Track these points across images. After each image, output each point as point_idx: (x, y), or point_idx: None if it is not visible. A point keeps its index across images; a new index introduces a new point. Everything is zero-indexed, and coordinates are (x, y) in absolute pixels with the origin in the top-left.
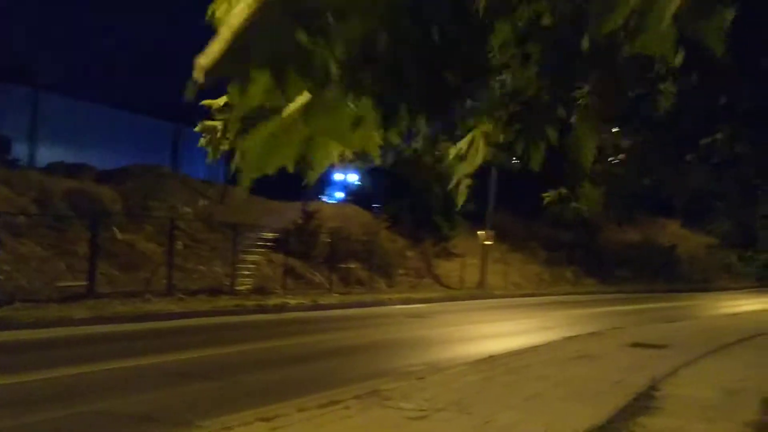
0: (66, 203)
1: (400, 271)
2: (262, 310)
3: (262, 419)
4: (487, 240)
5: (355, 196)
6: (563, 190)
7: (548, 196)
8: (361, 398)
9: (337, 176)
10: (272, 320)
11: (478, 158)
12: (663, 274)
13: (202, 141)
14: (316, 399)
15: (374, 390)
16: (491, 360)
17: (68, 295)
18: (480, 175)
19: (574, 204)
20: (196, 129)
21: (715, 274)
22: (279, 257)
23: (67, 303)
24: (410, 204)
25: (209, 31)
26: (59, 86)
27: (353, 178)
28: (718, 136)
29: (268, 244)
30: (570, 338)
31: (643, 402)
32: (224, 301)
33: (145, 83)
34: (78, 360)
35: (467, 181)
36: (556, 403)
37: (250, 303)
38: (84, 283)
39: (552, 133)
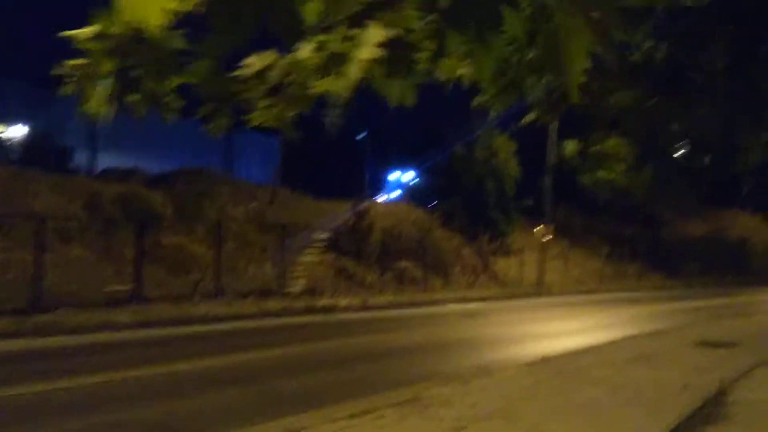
0: (116, 208)
1: (456, 270)
2: (311, 311)
3: (287, 431)
4: (545, 235)
5: (411, 195)
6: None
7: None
8: (400, 406)
9: (393, 175)
10: (321, 322)
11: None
12: (733, 268)
13: (69, 88)
14: (352, 406)
15: (414, 396)
16: (544, 362)
17: (114, 300)
18: (536, 168)
19: (600, 174)
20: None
21: None
22: (330, 258)
23: (112, 307)
24: (464, 200)
25: None
26: None
27: (409, 176)
28: None
29: (319, 244)
30: (631, 337)
31: (711, 408)
32: (273, 303)
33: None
34: (109, 366)
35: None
36: (612, 410)
37: (299, 305)
38: (130, 287)
39: (511, 19)
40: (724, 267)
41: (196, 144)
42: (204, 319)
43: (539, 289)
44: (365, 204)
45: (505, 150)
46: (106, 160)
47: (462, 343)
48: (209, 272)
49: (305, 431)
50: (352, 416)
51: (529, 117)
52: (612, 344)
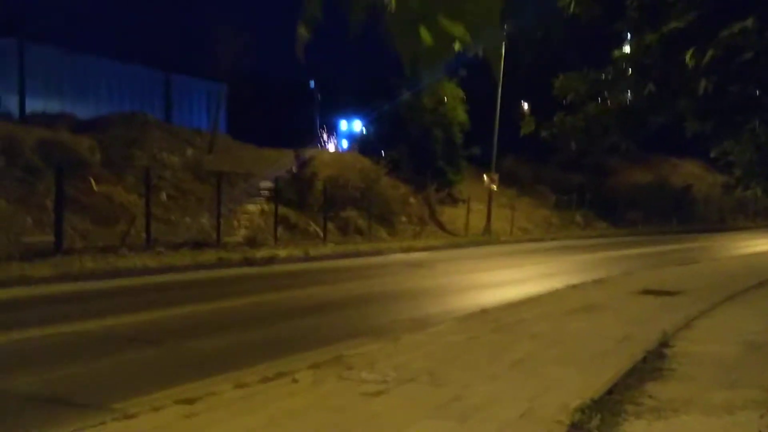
0: (38, 155)
1: (402, 219)
2: (249, 263)
3: (184, 401)
4: (492, 184)
5: (360, 144)
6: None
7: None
8: (319, 367)
9: (342, 125)
10: (258, 274)
11: None
12: (677, 216)
13: None
14: (267, 369)
15: (337, 357)
16: (482, 314)
17: (34, 252)
18: (484, 117)
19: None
20: None
21: (731, 214)
22: (272, 207)
23: (31, 260)
24: (411, 148)
25: None
26: (47, 37)
27: (358, 126)
28: (748, 23)
29: (260, 193)
30: (574, 286)
31: (653, 363)
32: (208, 255)
33: (134, 32)
34: (17, 324)
35: None
36: (547, 368)
37: (236, 256)
38: (51, 238)
39: None
40: (669, 214)
41: (134, 89)
42: (131, 272)
43: (486, 238)
44: (309, 152)
45: (452, 97)
46: (37, 106)
47: (402, 295)
48: (139, 223)
49: (205, 400)
50: (264, 380)
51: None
52: (554, 294)
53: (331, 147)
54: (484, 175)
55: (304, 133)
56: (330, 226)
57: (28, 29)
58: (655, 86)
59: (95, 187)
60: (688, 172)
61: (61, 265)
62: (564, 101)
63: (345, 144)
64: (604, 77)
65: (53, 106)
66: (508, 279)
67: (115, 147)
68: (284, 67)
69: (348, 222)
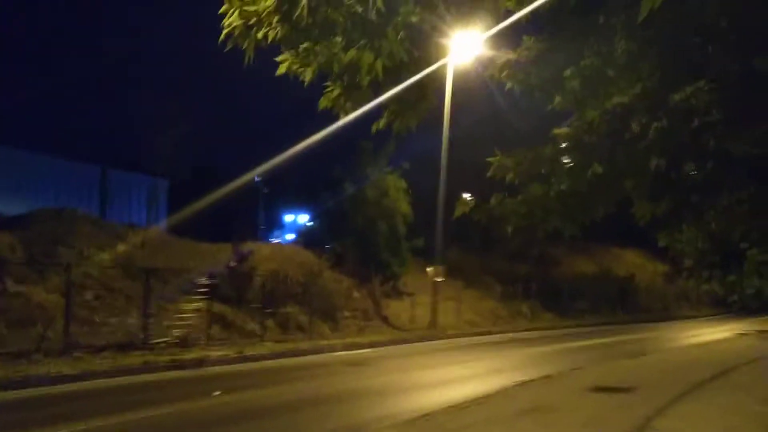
0: None
1: (346, 314)
2: (178, 366)
3: None
4: (437, 276)
5: (305, 237)
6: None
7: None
8: None
9: (288, 218)
10: (186, 377)
11: None
12: (622, 305)
13: None
14: None
15: None
16: (425, 420)
17: None
18: (428, 208)
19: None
20: None
21: (674, 303)
22: (206, 305)
23: None
24: (355, 241)
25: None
26: None
27: (304, 219)
28: (701, 84)
29: (195, 290)
30: (523, 384)
31: None
32: (132, 358)
33: (71, 127)
34: None
35: None
36: None
37: (163, 358)
38: None
39: None
40: (614, 304)
41: (70, 185)
42: (42, 380)
43: (432, 332)
44: (247, 246)
45: (395, 189)
46: None
47: (339, 398)
48: (59, 324)
49: None
50: None
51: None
52: (502, 393)
53: (275, 241)
54: (429, 268)
55: (247, 227)
56: (270, 323)
57: None
58: (600, 167)
59: (11, 288)
60: (630, 261)
61: None
62: (503, 183)
63: (290, 237)
64: (544, 156)
65: None
66: (454, 376)
67: (39, 244)
68: (229, 162)
69: (288, 318)
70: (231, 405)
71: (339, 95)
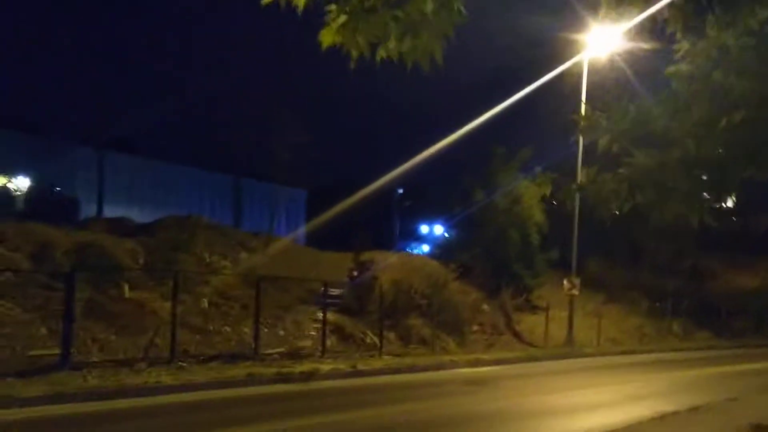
0: (71, 258)
1: (474, 328)
2: (284, 379)
3: None
4: (572, 289)
5: (440, 249)
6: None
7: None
8: None
9: (424, 228)
10: (289, 392)
11: None
12: None
13: None
14: None
15: None
16: None
17: (38, 367)
18: (563, 217)
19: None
20: None
21: None
22: (328, 315)
23: (29, 377)
24: (485, 251)
25: None
26: (122, 144)
27: (439, 230)
28: None
29: (316, 300)
30: (662, 418)
31: None
32: (238, 370)
33: (205, 139)
34: None
35: None
36: None
37: (269, 371)
38: (56, 352)
39: None
40: None
41: (204, 193)
42: (139, 391)
43: (567, 350)
44: (370, 255)
45: (528, 196)
46: (117, 212)
47: (447, 423)
48: (167, 333)
49: None
50: None
51: None
52: (635, 429)
53: (412, 251)
54: (564, 280)
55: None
56: (391, 335)
57: (107, 138)
58: (740, 113)
59: (127, 294)
60: None
61: (59, 383)
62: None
63: (426, 249)
64: (654, 111)
65: (132, 212)
66: (584, 403)
67: (161, 251)
68: (370, 174)
69: (411, 331)
70: (319, 429)
71: (346, 23)
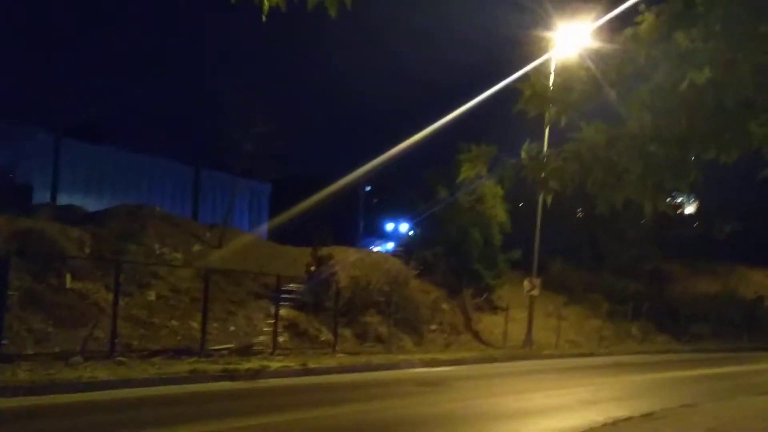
0: (12, 245)
1: (432, 327)
2: (230, 376)
3: None
4: (532, 290)
5: (404, 246)
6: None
7: None
8: None
9: (389, 226)
10: (233, 390)
11: None
12: (748, 331)
13: None
14: None
15: None
16: None
17: None
18: (528, 217)
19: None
20: None
21: None
22: (282, 311)
23: None
24: (446, 250)
25: None
26: (82, 131)
27: (404, 228)
28: None
29: (268, 294)
30: (615, 424)
31: None
32: (181, 366)
33: (165, 127)
34: None
35: None
36: None
37: (214, 368)
38: None
39: None
40: (738, 329)
41: (162, 183)
42: (71, 386)
43: (525, 351)
44: (328, 250)
45: (491, 195)
46: (72, 200)
47: (397, 425)
48: (109, 326)
49: None
50: None
51: None
52: None
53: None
54: (525, 280)
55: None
56: (347, 333)
57: (65, 124)
58: (704, 71)
59: (69, 284)
60: (758, 281)
61: None
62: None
63: (390, 246)
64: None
65: (89, 201)
66: (536, 406)
67: (109, 240)
68: (338, 171)
69: (367, 329)
70: (259, 430)
71: None
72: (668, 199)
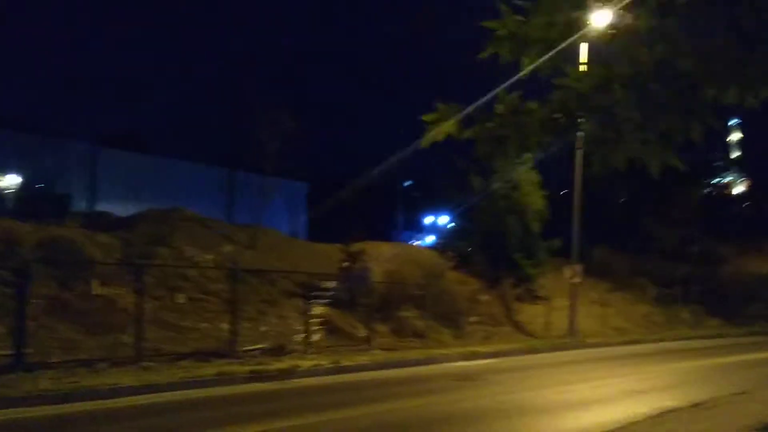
0: (38, 253)
1: (472, 319)
2: (259, 377)
3: None
4: (574, 277)
5: (446, 239)
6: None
7: None
8: None
9: (428, 219)
10: (261, 392)
11: None
12: None
13: None
14: None
15: None
16: None
17: None
18: (568, 205)
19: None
20: None
21: None
22: (318, 309)
23: None
24: (483, 240)
25: None
26: (118, 140)
27: (444, 220)
28: None
29: (301, 292)
30: (661, 415)
31: None
32: (208, 368)
33: (198, 133)
34: None
35: None
36: None
37: (242, 369)
38: (9, 352)
39: None
40: None
41: (197, 187)
42: (93, 394)
43: (569, 340)
44: (362, 246)
45: (526, 182)
46: (111, 207)
47: (423, 424)
48: (144, 330)
49: None
50: None
51: None
52: (628, 429)
53: (413, 242)
54: (564, 268)
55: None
56: (383, 329)
57: (101, 133)
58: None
59: (96, 290)
60: None
61: (6, 386)
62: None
63: (430, 240)
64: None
65: (127, 208)
66: (578, 399)
67: (138, 245)
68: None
69: (404, 324)
70: None
71: None
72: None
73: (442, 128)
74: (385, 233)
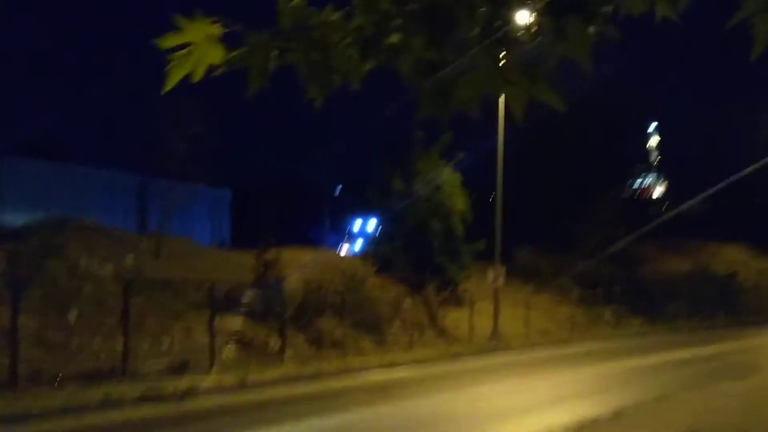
0: None
1: (395, 326)
2: (152, 399)
3: None
4: (496, 280)
5: (371, 244)
6: None
7: None
8: None
9: (356, 224)
10: (152, 417)
11: None
12: (723, 308)
13: None
14: None
15: None
16: None
17: None
18: (488, 205)
19: None
20: None
21: None
22: (228, 321)
23: None
24: (405, 244)
25: None
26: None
27: (372, 225)
28: None
29: (213, 304)
30: (581, 429)
31: None
32: (94, 392)
33: (108, 137)
34: None
35: None
36: None
37: (133, 391)
38: None
39: None
40: (714, 306)
41: (107, 195)
42: None
43: (493, 344)
44: (273, 252)
45: (449, 183)
46: (10, 218)
47: None
48: (29, 352)
49: None
50: None
51: None
52: None
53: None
54: (488, 271)
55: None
56: (300, 339)
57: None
58: None
59: None
60: (731, 257)
61: None
62: None
63: (359, 246)
64: None
65: (35, 217)
66: (492, 409)
67: (27, 258)
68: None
69: (322, 334)
70: None
71: None
72: None
73: (195, 55)
74: (313, 239)
